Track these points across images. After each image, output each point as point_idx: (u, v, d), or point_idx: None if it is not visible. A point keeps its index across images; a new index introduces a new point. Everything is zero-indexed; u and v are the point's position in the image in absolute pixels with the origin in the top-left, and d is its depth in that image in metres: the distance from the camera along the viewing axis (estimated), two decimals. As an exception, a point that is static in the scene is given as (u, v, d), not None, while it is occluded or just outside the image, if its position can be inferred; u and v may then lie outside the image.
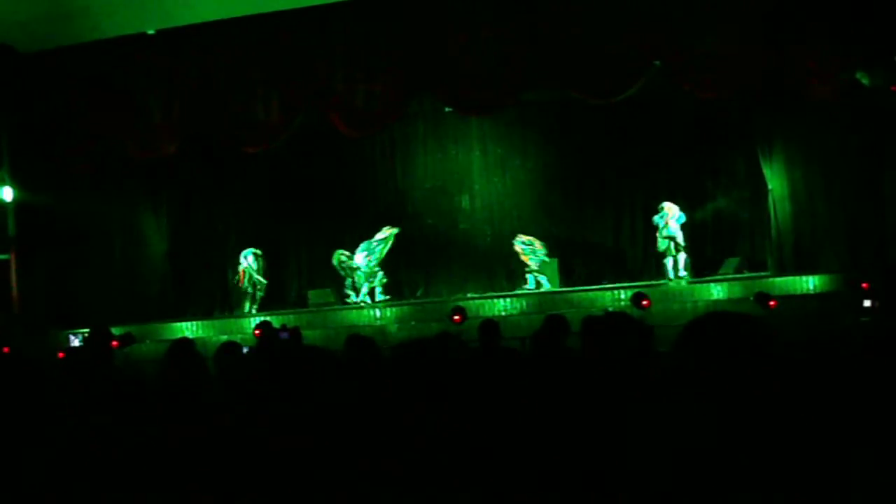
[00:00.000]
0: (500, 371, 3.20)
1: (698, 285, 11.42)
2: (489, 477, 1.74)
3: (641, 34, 10.51)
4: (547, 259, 12.92)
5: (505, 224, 13.95)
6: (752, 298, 9.83)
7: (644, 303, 9.66)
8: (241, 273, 13.21)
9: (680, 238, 12.00)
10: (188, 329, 11.80)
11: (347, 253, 13.10)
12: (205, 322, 12.29)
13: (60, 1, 10.75)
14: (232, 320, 12.50)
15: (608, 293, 11.33)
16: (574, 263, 13.19)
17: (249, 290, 13.25)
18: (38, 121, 12.01)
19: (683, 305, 10.59)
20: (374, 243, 13.03)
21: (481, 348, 4.98)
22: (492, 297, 12.11)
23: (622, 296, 10.90)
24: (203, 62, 11.69)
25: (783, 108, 11.67)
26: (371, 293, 12.95)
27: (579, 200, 13.95)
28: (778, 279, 11.01)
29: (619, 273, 13.19)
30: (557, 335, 4.60)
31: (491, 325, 5.29)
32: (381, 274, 13.06)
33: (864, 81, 10.25)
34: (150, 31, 11.72)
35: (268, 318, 10.87)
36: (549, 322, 4.83)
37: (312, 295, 13.43)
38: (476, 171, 14.37)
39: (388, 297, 13.04)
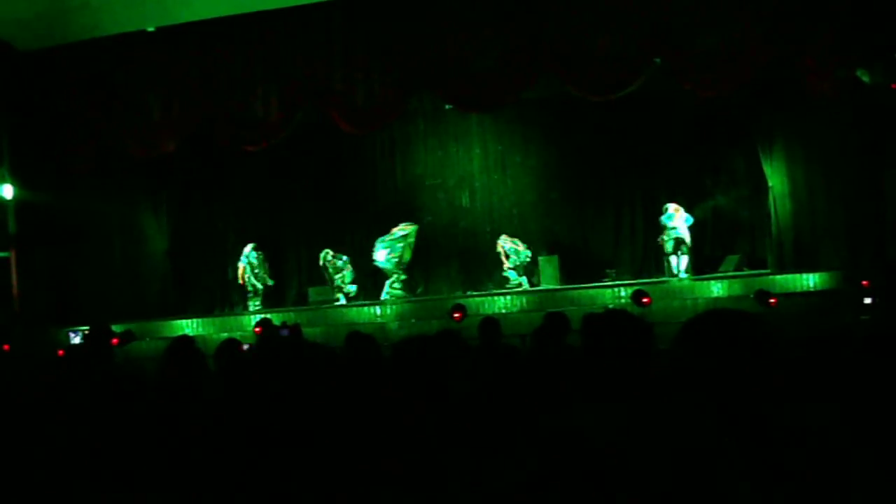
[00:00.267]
0: (500, 369, 3.20)
1: (698, 283, 11.43)
2: (489, 477, 1.74)
3: (641, 31, 10.50)
4: (528, 260, 12.97)
5: (505, 222, 13.96)
6: (752, 296, 9.88)
7: (644, 300, 9.68)
8: (241, 270, 13.22)
9: (688, 239, 12.05)
10: (188, 326, 11.80)
11: (333, 252, 13.13)
12: (205, 319, 12.28)
13: (60, -2, 10.77)
14: (232, 318, 12.51)
15: (608, 290, 11.35)
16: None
17: (249, 287, 13.27)
18: (37, 119, 12.00)
19: (684, 303, 10.62)
20: (395, 240, 13.05)
21: (482, 346, 4.99)
22: (492, 295, 12.11)
23: (622, 293, 10.92)
24: (203, 60, 11.67)
25: (783, 106, 11.67)
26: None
27: (579, 198, 13.95)
28: (778, 277, 11.02)
29: (619, 271, 13.22)
30: (558, 332, 4.61)
31: (491, 323, 5.29)
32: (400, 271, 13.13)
33: (865, 79, 10.24)
34: (150, 29, 11.71)
35: (268, 316, 10.91)
36: (550, 319, 4.85)
37: (312, 292, 13.45)
38: (476, 169, 14.38)
39: (402, 293, 13.06)
